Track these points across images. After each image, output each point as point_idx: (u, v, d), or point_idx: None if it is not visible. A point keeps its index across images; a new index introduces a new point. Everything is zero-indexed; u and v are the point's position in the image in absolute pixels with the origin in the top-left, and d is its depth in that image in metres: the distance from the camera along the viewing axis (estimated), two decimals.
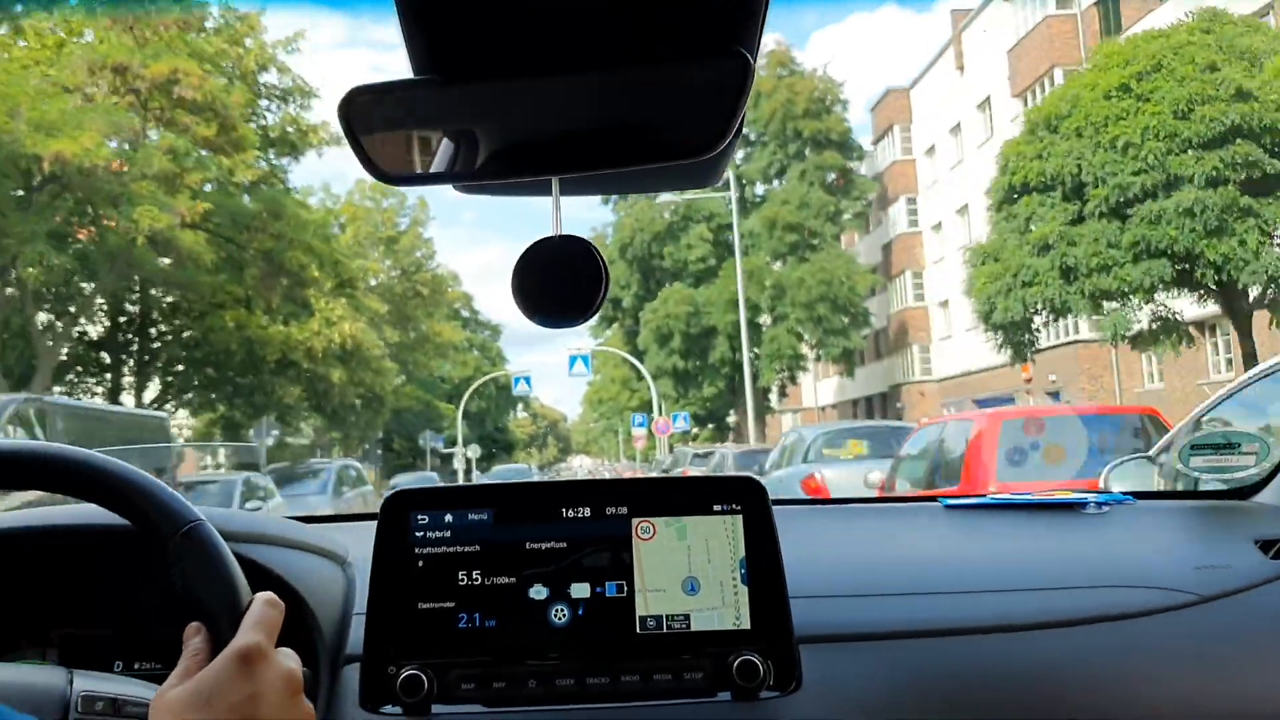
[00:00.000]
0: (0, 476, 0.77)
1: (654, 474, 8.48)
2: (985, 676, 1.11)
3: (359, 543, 1.18)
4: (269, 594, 0.74)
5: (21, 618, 1.08)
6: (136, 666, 1.08)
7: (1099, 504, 1.47)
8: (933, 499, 1.58)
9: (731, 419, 48.15)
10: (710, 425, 50.85)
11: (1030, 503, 1.50)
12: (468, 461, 37.35)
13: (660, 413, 32.61)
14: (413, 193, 35.15)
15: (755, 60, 0.76)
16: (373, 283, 35.04)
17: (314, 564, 1.13)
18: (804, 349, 35.57)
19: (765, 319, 36.49)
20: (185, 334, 23.08)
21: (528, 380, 36.76)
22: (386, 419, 35.50)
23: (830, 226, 35.10)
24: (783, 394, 41.92)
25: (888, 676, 1.10)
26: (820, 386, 48.29)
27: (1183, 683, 1.13)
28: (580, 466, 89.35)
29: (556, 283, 0.87)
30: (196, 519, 0.77)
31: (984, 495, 1.54)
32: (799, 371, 37.18)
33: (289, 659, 0.72)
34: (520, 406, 70.75)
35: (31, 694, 0.79)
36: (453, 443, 37.24)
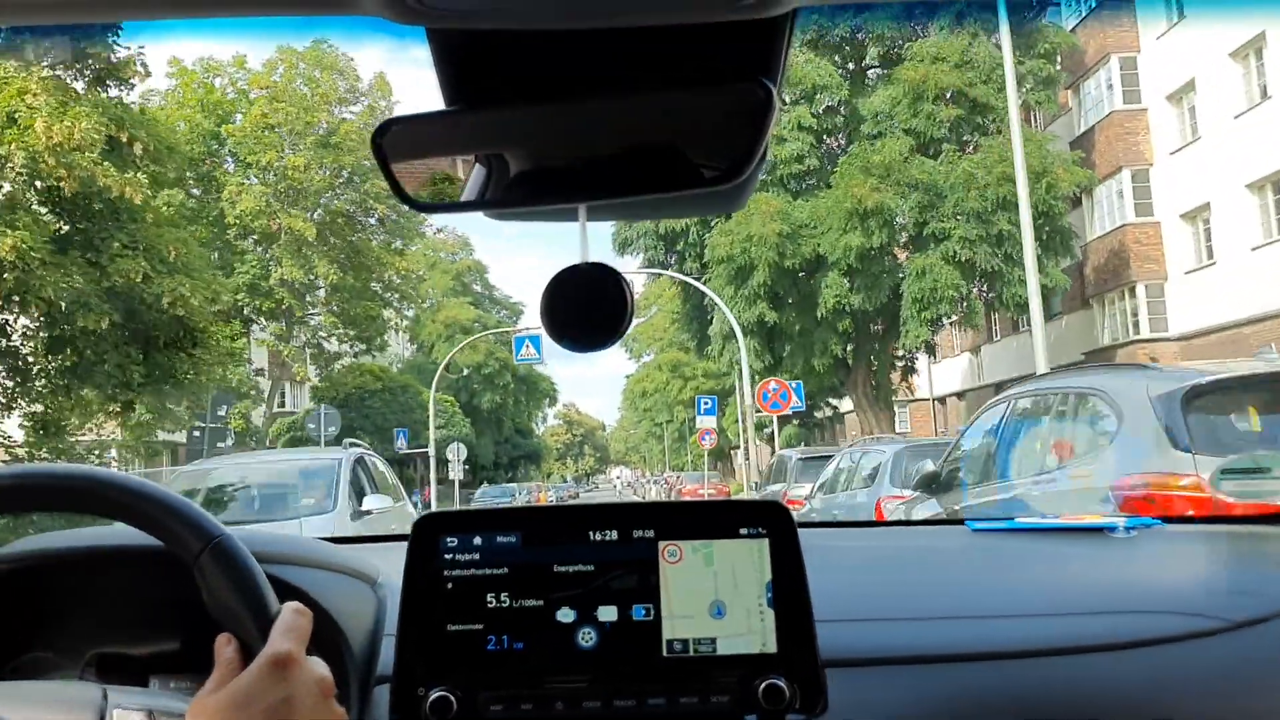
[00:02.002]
0: (29, 500, 0.79)
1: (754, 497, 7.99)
2: (1011, 702, 1.11)
3: (389, 564, 1.19)
4: (296, 603, 0.76)
5: (57, 637, 1.09)
6: (172, 686, 1.09)
7: (1127, 528, 1.48)
8: (959, 521, 1.65)
9: (845, 404, 35.42)
10: (797, 421, 37.86)
11: (1058, 526, 1.52)
12: (451, 471, 24.59)
13: (747, 396, 19.61)
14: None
15: (778, 89, 0.78)
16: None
17: (345, 584, 1.14)
18: (965, 290, 22.33)
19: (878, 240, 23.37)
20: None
21: (535, 341, 23.98)
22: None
23: (1004, 98, 21.87)
24: (908, 373, 28.67)
25: (914, 701, 1.11)
26: (938, 369, 35.07)
27: (1211, 710, 1.12)
28: (619, 479, 79.26)
29: (583, 308, 0.89)
30: (222, 533, 0.79)
31: (1011, 519, 1.56)
32: (953, 327, 23.87)
33: (318, 665, 0.74)
34: (547, 404, 58.02)
35: (67, 710, 0.80)
36: (432, 443, 24.49)
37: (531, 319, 47.49)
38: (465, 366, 48.93)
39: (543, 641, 1.07)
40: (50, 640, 1.08)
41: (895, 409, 27.59)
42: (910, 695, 1.10)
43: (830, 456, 12.49)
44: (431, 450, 25.03)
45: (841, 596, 1.21)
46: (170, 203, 21.75)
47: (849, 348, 26.19)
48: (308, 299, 24.56)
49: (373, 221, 26.29)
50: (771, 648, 1.06)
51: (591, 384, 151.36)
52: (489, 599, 1.08)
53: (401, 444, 26.53)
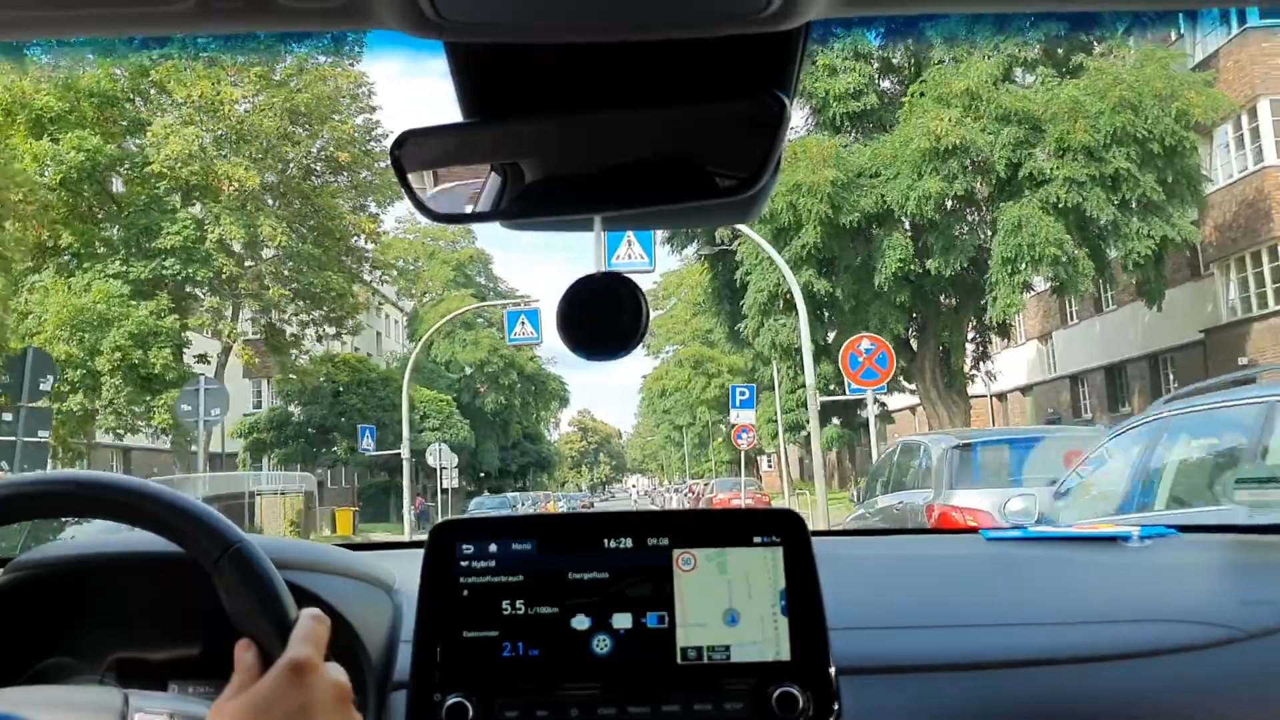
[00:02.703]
0: (49, 506, 0.82)
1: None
2: (1025, 711, 1.12)
3: (405, 570, 1.20)
4: (315, 609, 0.77)
5: (78, 643, 1.10)
6: (192, 690, 1.10)
7: (1142, 537, 1.47)
8: (973, 530, 1.62)
9: (896, 400, 30.85)
10: (840, 421, 33.32)
11: (1072, 536, 1.51)
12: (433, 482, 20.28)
13: (809, 374, 15.21)
14: None
15: (791, 101, 0.79)
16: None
17: (362, 591, 1.15)
18: (1071, 247, 17.74)
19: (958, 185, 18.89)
20: None
21: (532, 317, 19.51)
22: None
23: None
24: (981, 358, 24.03)
25: (927, 709, 1.11)
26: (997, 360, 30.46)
27: (1226, 719, 1.13)
28: (635, 488, 75.83)
29: (598, 317, 0.90)
30: (241, 539, 0.80)
31: (1025, 528, 1.57)
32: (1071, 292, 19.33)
33: (336, 672, 0.74)
34: (557, 406, 53.55)
35: (89, 714, 0.81)
36: (405, 442, 20.01)
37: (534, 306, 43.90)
38: (466, 364, 44.61)
39: (558, 648, 1.08)
40: (71, 645, 1.09)
41: (970, 401, 22.83)
42: (923, 703, 1.11)
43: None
44: (405, 453, 20.58)
45: (855, 604, 1.20)
46: (80, 147, 17.54)
47: (912, 327, 21.61)
48: (255, 267, 20.17)
49: (341, 181, 21.78)
50: (785, 655, 1.07)
51: (607, 391, 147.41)
52: (504, 606, 1.09)
53: (368, 444, 22.03)
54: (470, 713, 1.03)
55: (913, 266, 19.49)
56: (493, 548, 1.11)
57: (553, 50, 0.73)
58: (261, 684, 0.70)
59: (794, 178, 18.57)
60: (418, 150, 0.85)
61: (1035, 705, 1.11)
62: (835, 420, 33.94)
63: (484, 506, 28.13)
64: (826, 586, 1.09)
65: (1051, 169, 17.63)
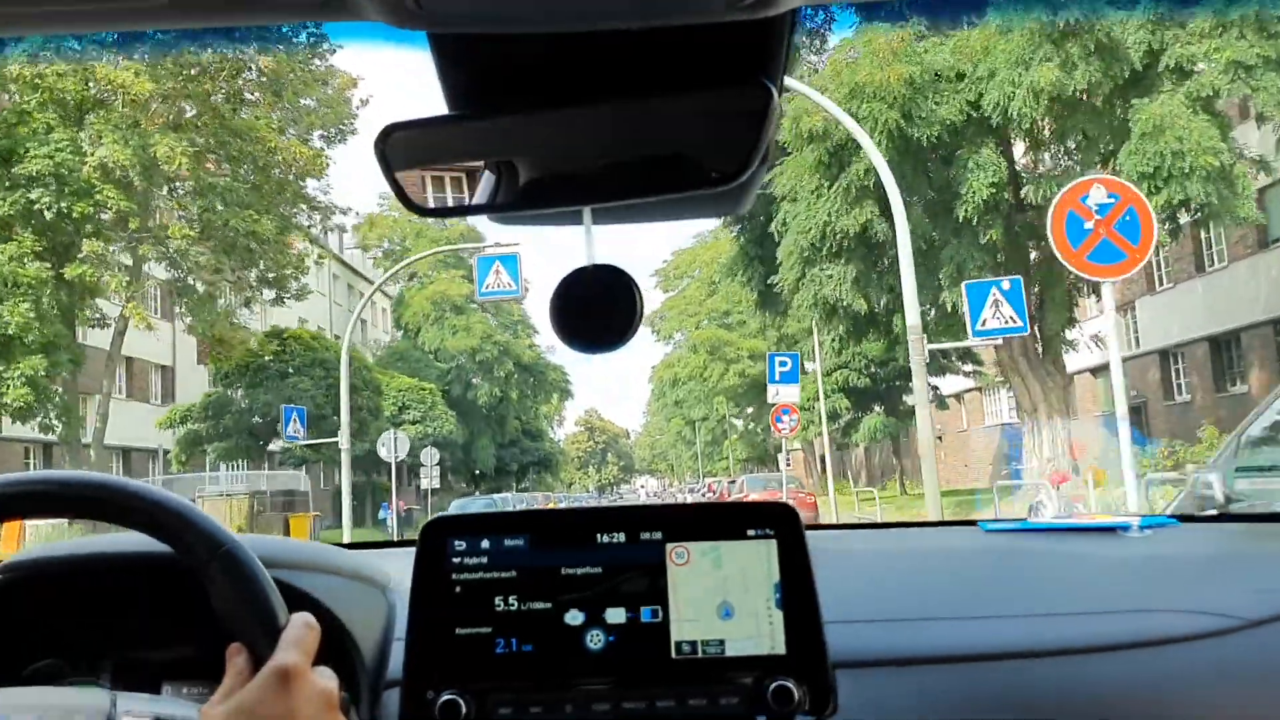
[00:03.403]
0: (42, 506, 0.82)
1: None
2: (1025, 703, 1.11)
3: (399, 569, 1.19)
4: (306, 614, 0.77)
5: (71, 644, 1.10)
6: (185, 692, 1.10)
7: (1141, 527, 1.46)
8: (971, 523, 1.61)
9: (950, 383, 26.38)
10: (881, 408, 28.83)
11: (1071, 526, 1.50)
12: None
13: (910, 312, 10.69)
14: None
15: (779, 90, 0.79)
16: None
17: (354, 590, 1.14)
18: (1227, 156, 13.24)
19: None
20: None
21: (510, 264, 15.01)
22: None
23: None
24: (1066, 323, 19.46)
25: (925, 702, 1.11)
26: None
27: (1230, 709, 1.12)
28: (644, 488, 73.09)
29: (592, 310, 0.90)
30: (231, 542, 0.80)
31: (1024, 520, 1.55)
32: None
33: (326, 677, 0.74)
34: (558, 398, 49.00)
35: (74, 715, 0.81)
36: (344, 429, 15.46)
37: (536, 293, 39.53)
38: (457, 352, 40.16)
39: (552, 644, 1.07)
40: (64, 647, 1.09)
41: (1069, 376, 18.23)
42: (921, 696, 1.11)
43: None
44: (343, 442, 16.10)
45: (851, 598, 1.20)
46: None
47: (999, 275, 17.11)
48: (156, 204, 15.65)
49: (271, 101, 17.18)
50: (780, 649, 1.06)
51: (615, 391, 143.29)
52: (497, 602, 1.09)
53: (296, 430, 17.53)
54: (464, 710, 1.03)
55: (1005, 195, 14.98)
56: (485, 544, 1.10)
57: (538, 42, 0.72)
58: (248, 689, 0.70)
59: (853, 76, 14.07)
60: (403, 144, 0.84)
61: (1034, 697, 1.11)
62: (876, 408, 29.54)
63: (468, 509, 23.66)
64: (822, 580, 1.08)
65: (1202, 53, 13.08)
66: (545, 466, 54.51)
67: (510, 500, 27.56)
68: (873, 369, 27.12)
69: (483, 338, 40.33)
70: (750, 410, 43.04)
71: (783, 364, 16.16)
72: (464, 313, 40.91)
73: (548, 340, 45.80)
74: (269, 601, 0.78)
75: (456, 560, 1.09)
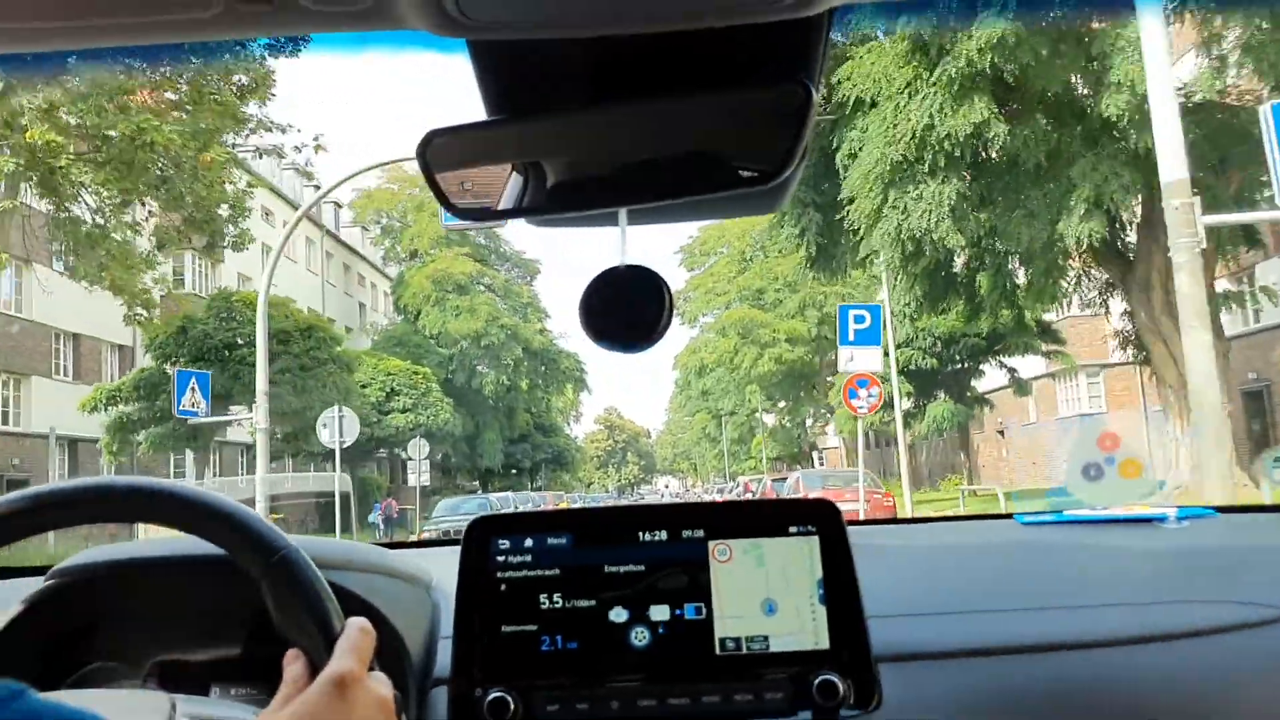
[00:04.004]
0: (101, 511, 0.81)
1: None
2: (1067, 694, 1.11)
3: (442, 568, 1.21)
4: (362, 620, 0.77)
5: (120, 647, 1.10)
6: (233, 693, 1.11)
7: (1179, 518, 1.45)
8: (1007, 516, 1.60)
9: (1030, 364, 22.21)
10: (947, 396, 24.68)
11: (1108, 518, 1.49)
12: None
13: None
14: None
15: (817, 89, 0.78)
16: None
17: (400, 589, 1.14)
18: None
19: None
20: None
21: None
22: None
23: None
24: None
25: (968, 695, 1.11)
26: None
27: (1273, 700, 1.12)
28: (666, 489, 70.30)
29: (622, 310, 0.90)
30: (288, 546, 0.80)
31: (1060, 512, 1.53)
32: None
33: (382, 684, 0.75)
34: (573, 390, 44.93)
35: (135, 718, 0.81)
36: (260, 408, 11.46)
37: (553, 291, 35.21)
38: (460, 337, 36.25)
39: (596, 641, 1.09)
40: (114, 649, 1.09)
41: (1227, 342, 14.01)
42: (963, 689, 1.11)
43: None
44: (259, 419, 12.16)
45: (892, 592, 1.20)
46: None
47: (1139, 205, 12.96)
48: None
49: None
50: (824, 644, 1.07)
51: (636, 389, 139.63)
52: (542, 600, 1.10)
53: (195, 404, 13.45)
54: (512, 707, 1.04)
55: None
56: (529, 542, 1.11)
57: (575, 45, 0.73)
58: (306, 696, 0.70)
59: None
60: (444, 149, 0.85)
61: (1078, 688, 1.10)
62: (941, 394, 25.40)
63: (457, 511, 19.73)
64: (863, 575, 1.09)
65: None
66: (560, 464, 50.46)
67: (511, 500, 23.57)
68: (939, 347, 22.94)
69: (488, 320, 36.38)
70: (784, 404, 38.93)
71: (858, 319, 12.03)
72: (468, 293, 37.00)
73: (560, 325, 41.87)
74: (325, 608, 0.78)
75: (501, 559, 1.11)
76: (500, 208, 0.89)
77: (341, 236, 40.91)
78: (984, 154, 12.50)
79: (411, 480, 22.96)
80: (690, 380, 39.63)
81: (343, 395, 18.84)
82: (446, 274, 36.60)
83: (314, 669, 0.73)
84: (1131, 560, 1.33)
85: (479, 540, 1.12)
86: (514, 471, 44.74)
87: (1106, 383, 27.02)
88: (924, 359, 23.30)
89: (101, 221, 12.94)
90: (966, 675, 1.11)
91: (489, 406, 38.39)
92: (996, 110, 11.50)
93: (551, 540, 1.11)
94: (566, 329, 48.62)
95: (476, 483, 42.62)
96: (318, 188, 38.85)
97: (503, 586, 1.10)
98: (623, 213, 0.91)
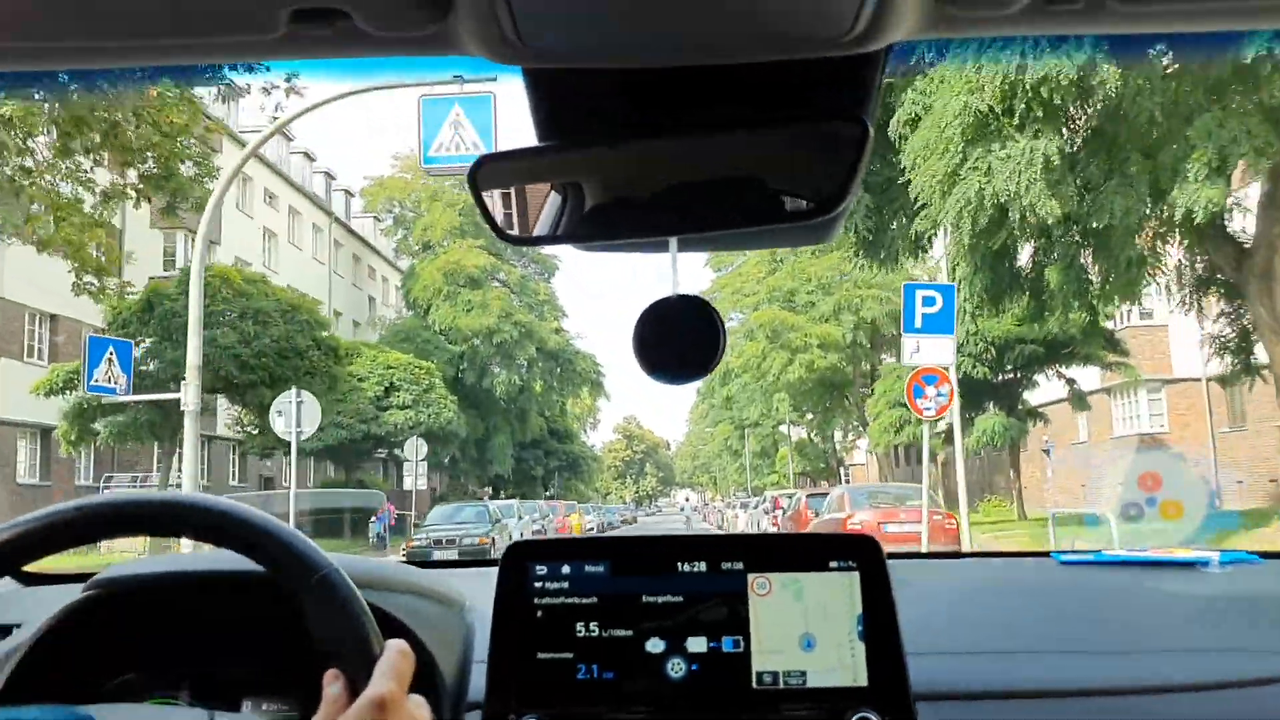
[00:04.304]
0: (140, 526, 0.82)
1: None
2: None
3: (476, 589, 1.21)
4: (401, 642, 0.77)
5: (152, 660, 1.12)
6: (265, 708, 1.12)
7: (1221, 563, 1.42)
8: (1045, 554, 1.59)
9: (1088, 377, 19.86)
10: (999, 408, 22.40)
11: (1148, 560, 1.47)
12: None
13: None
14: None
15: (873, 124, 0.78)
16: None
17: (436, 611, 1.15)
18: None
19: None
20: None
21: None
22: None
23: None
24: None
25: None
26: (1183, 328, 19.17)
27: None
28: (686, 502, 68.51)
29: (675, 341, 0.90)
30: (329, 566, 0.80)
31: (1099, 551, 1.55)
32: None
33: (420, 707, 0.75)
34: (589, 393, 42.81)
35: None
36: (189, 386, 9.38)
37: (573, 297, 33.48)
38: (470, 333, 34.30)
39: (633, 671, 1.08)
40: (149, 661, 1.11)
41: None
42: None
43: None
44: (189, 402, 10.16)
45: (931, 630, 1.20)
46: None
47: None
48: None
49: None
50: (863, 680, 1.06)
51: (656, 399, 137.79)
52: (579, 628, 1.09)
53: (114, 379, 11.35)
54: None
55: None
56: (566, 569, 1.11)
57: (631, 75, 0.73)
58: (346, 717, 0.70)
59: None
60: (495, 173, 0.87)
61: None
62: (990, 406, 23.14)
63: (453, 519, 17.66)
64: (902, 611, 1.08)
65: None
66: (575, 472, 48.39)
67: (516, 509, 21.49)
68: (992, 354, 20.71)
69: (501, 316, 34.39)
70: (813, 415, 36.63)
71: (927, 300, 9.85)
72: (480, 287, 35.03)
73: (578, 325, 39.79)
74: (366, 629, 0.77)
75: (538, 585, 1.10)
76: (550, 233, 0.89)
77: (353, 227, 39.15)
78: (1084, 105, 10.35)
79: (408, 483, 20.95)
80: (714, 386, 37.37)
81: (327, 386, 16.83)
82: (459, 266, 34.65)
83: (353, 690, 0.73)
84: (1174, 604, 1.32)
85: (516, 565, 1.12)
86: (526, 479, 42.73)
87: (1169, 399, 24.67)
88: (974, 367, 21.07)
89: (29, 166, 10.98)
90: (1004, 717, 1.10)
91: (500, 408, 36.37)
92: (1105, 48, 9.36)
93: (589, 568, 1.11)
94: (584, 329, 46.62)
95: (489, 489, 40.69)
96: (309, 157, 37.03)
97: (539, 613, 1.10)
98: (673, 242, 0.90)
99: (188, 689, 1.09)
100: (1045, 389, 22.77)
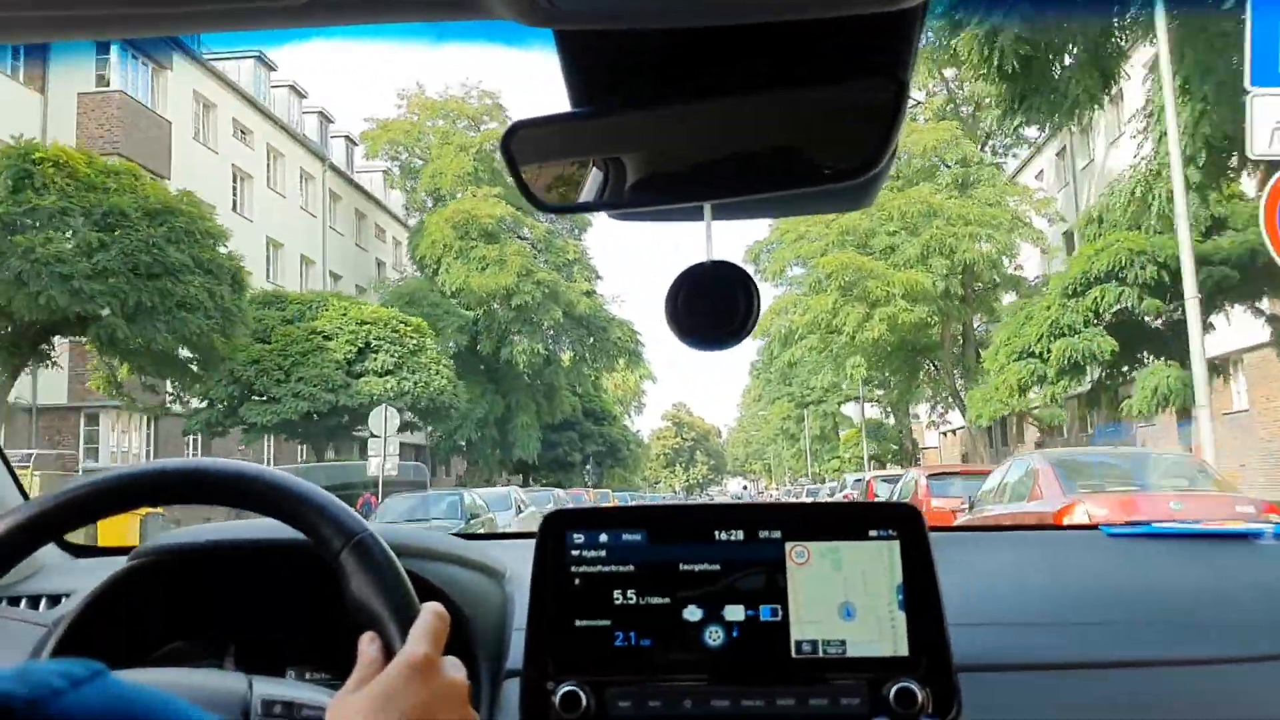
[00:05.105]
0: (180, 493, 0.83)
1: None
2: (1150, 713, 1.09)
3: (516, 560, 1.22)
4: (437, 605, 0.78)
5: (200, 628, 1.13)
6: (308, 677, 1.12)
7: (1276, 534, 1.38)
8: (1093, 526, 1.56)
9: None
10: (1150, 355, 16.51)
11: (1199, 532, 1.43)
12: None
13: None
14: None
15: (909, 84, 0.78)
16: None
17: (475, 579, 1.16)
18: None
19: None
20: None
21: None
22: None
23: None
24: None
25: (1049, 708, 1.10)
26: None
27: None
28: (744, 489, 64.09)
29: (709, 307, 0.90)
30: (365, 530, 0.81)
31: (1149, 524, 1.48)
32: None
33: (456, 668, 0.75)
34: (623, 365, 37.29)
35: (214, 697, 0.85)
36: None
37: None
38: (485, 294, 29.15)
39: (670, 639, 1.08)
40: (193, 630, 1.12)
41: None
42: (1045, 702, 1.09)
43: None
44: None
45: (974, 601, 1.19)
46: None
47: None
48: None
49: None
50: (903, 651, 1.06)
51: (707, 383, 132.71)
52: (616, 596, 1.09)
53: None
54: (584, 701, 1.03)
55: None
56: (603, 538, 1.11)
57: (661, 37, 0.73)
58: (381, 679, 0.70)
59: None
60: (528, 141, 0.86)
61: (1162, 707, 1.08)
62: (1157, 357, 17.34)
63: (413, 513, 12.56)
64: (944, 581, 1.08)
65: None
66: (615, 458, 43.08)
67: (511, 498, 16.23)
68: (1164, 278, 14.89)
69: (520, 275, 29.15)
70: (892, 386, 30.87)
71: None
72: (497, 241, 29.82)
73: (613, 288, 34.40)
74: (401, 591, 0.78)
75: (575, 553, 1.11)
76: (584, 200, 0.89)
77: (358, 181, 34.20)
78: None
79: (373, 468, 15.77)
80: (773, 351, 31.61)
81: (221, 323, 11.65)
82: (471, 217, 29.44)
83: (389, 652, 0.74)
84: (1227, 576, 1.29)
85: (554, 534, 1.11)
86: (560, 466, 37.55)
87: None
88: (1136, 298, 15.33)
89: None
90: (1049, 688, 1.09)
91: (524, 384, 31.19)
92: None
93: (626, 536, 1.11)
94: (621, 292, 41.10)
95: (519, 476, 35.58)
96: (298, 92, 31.80)
97: (577, 581, 1.10)
98: (707, 208, 0.89)
99: (233, 657, 1.11)
100: (1221, 335, 16.90)
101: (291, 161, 29.26)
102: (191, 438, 19.98)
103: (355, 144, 34.24)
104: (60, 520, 0.78)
